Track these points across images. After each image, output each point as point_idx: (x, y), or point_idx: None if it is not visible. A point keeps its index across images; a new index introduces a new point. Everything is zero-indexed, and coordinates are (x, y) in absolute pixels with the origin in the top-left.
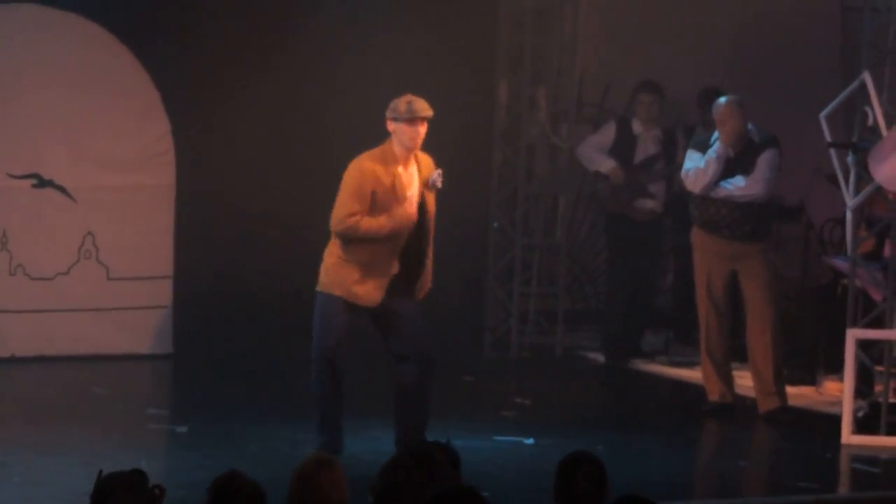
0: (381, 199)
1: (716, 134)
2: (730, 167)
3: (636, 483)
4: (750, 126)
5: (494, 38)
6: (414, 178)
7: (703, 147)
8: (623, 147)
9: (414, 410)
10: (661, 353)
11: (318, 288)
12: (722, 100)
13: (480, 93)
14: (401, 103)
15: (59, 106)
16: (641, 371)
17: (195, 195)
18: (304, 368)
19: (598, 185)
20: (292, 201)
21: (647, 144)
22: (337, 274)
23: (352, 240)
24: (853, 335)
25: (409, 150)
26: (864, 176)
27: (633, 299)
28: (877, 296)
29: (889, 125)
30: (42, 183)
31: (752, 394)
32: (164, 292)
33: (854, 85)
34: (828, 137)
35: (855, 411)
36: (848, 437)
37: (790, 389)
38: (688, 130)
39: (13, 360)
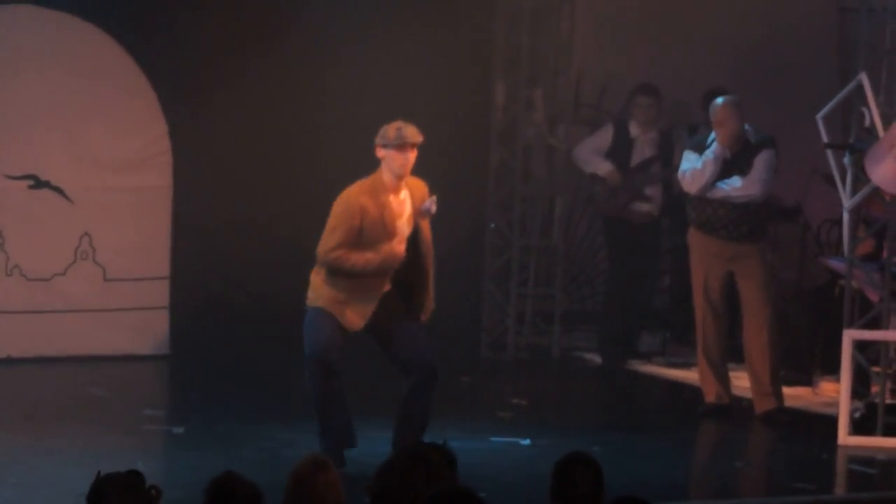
0: (370, 231)
1: (713, 135)
2: (727, 168)
3: (633, 484)
4: (747, 127)
5: (491, 39)
6: (406, 205)
7: (700, 148)
8: (620, 150)
9: (414, 418)
10: (657, 354)
11: (307, 304)
12: (719, 100)
13: (477, 94)
14: (390, 129)
15: (56, 107)
16: (638, 372)
17: (192, 196)
18: (301, 369)
19: (594, 187)
20: (290, 202)
21: (643, 147)
22: (325, 292)
23: (338, 272)
24: (850, 336)
25: (400, 178)
26: (860, 177)
27: (630, 300)
28: (873, 297)
29: (886, 126)
30: (39, 184)
31: (748, 394)
32: (161, 293)
33: (851, 86)
34: (825, 138)
35: (851, 412)
36: (844, 437)
37: (787, 390)
38: (690, 130)
39: (10, 361)
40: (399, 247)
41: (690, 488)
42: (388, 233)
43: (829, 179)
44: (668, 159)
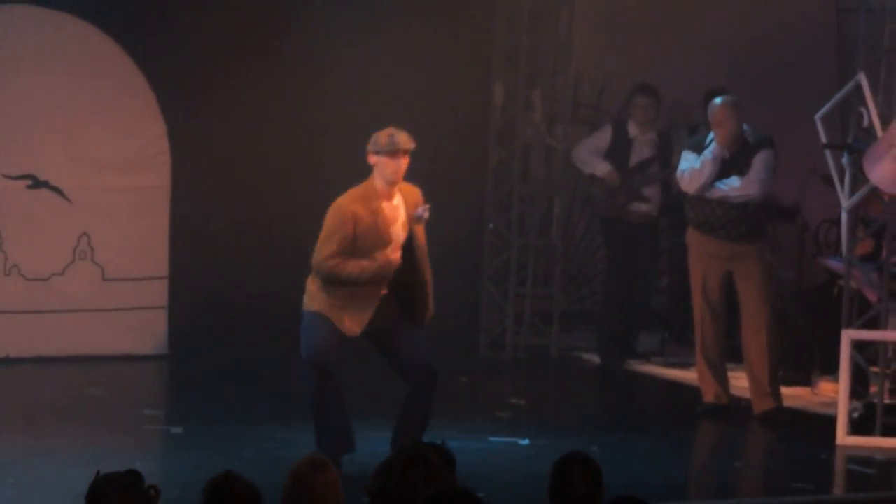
0: (364, 239)
1: (711, 135)
2: (725, 168)
3: (631, 484)
4: (745, 127)
5: (490, 39)
6: (399, 211)
7: (698, 148)
8: (618, 150)
9: (413, 419)
10: (656, 354)
11: (304, 308)
12: (717, 101)
13: (476, 94)
14: (382, 136)
15: (54, 107)
16: (637, 372)
17: (191, 196)
18: (299, 369)
19: (593, 188)
20: (288, 202)
21: (642, 147)
22: (321, 299)
23: (334, 282)
24: (848, 336)
25: (392, 184)
26: (859, 177)
27: (628, 300)
28: (872, 297)
29: (884, 126)
30: (37, 184)
31: (747, 395)
32: (159, 293)
33: (849, 86)
34: (823, 138)
35: (850, 412)
36: (843, 438)
37: (785, 390)
38: (691, 130)
39: (8, 361)
40: (394, 254)
41: (689, 488)
42: (383, 239)
43: (828, 179)
44: (666, 159)
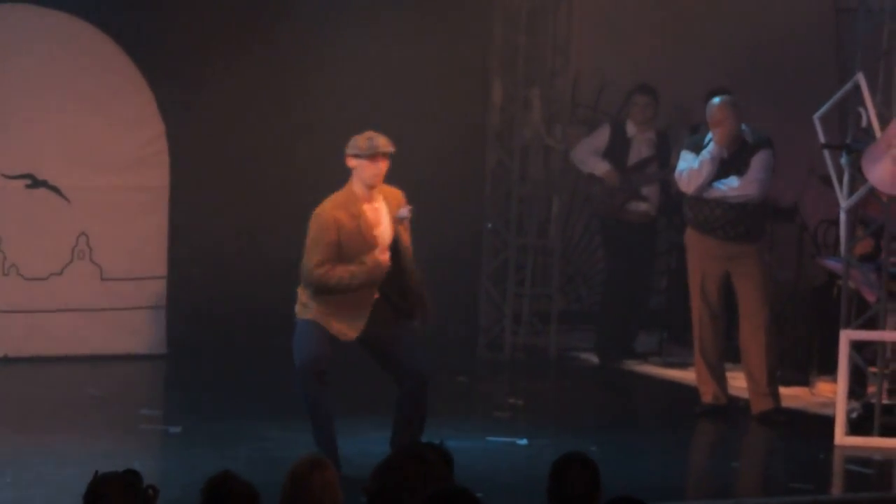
0: (348, 244)
1: (710, 135)
2: (724, 168)
3: (630, 484)
4: (744, 127)
5: (488, 39)
6: (381, 213)
7: (696, 148)
8: (617, 149)
9: (411, 423)
10: (654, 354)
11: (297, 317)
12: (716, 100)
13: (474, 94)
14: (361, 140)
15: (53, 106)
16: (635, 372)
17: (189, 196)
18: (293, 378)
19: (592, 187)
20: (286, 202)
21: (640, 146)
22: (313, 307)
23: (325, 290)
24: (847, 336)
25: (371, 188)
26: (857, 177)
27: (627, 300)
28: (870, 297)
29: (883, 126)
30: (36, 183)
31: (745, 395)
32: (157, 293)
33: (848, 86)
34: (822, 138)
35: (848, 412)
36: (841, 438)
37: (783, 390)
38: (692, 130)
39: (6, 361)
40: (383, 256)
41: (687, 488)
42: (368, 242)
43: (827, 180)
44: (665, 159)
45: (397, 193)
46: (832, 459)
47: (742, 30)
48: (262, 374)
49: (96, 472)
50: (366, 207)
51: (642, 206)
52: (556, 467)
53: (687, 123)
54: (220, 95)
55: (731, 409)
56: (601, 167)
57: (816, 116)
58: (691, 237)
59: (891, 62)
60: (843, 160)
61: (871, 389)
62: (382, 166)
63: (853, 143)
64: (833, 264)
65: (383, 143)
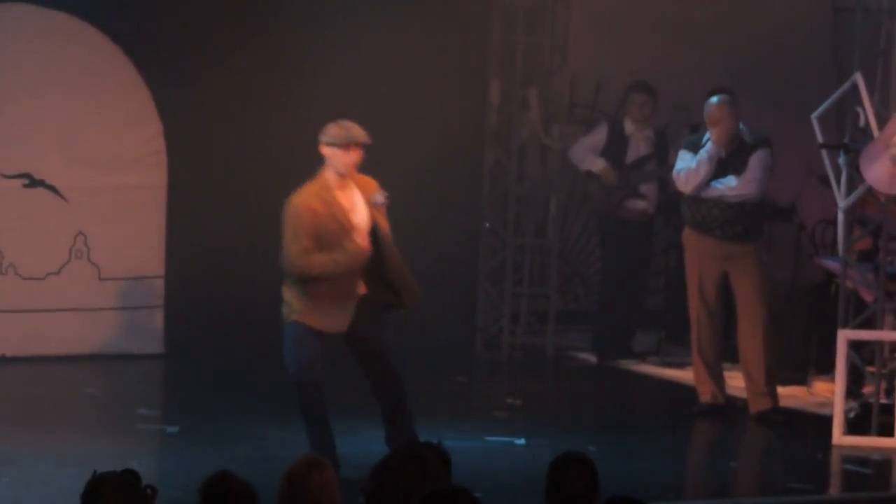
0: (325, 231)
1: (707, 134)
2: (721, 167)
3: (628, 484)
4: (741, 126)
5: (486, 39)
6: (356, 200)
7: (694, 147)
8: (615, 148)
9: (400, 420)
10: (652, 354)
11: (285, 320)
12: (714, 99)
13: (472, 93)
14: (335, 128)
15: (50, 106)
16: (633, 371)
17: (187, 195)
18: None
19: (589, 185)
20: (284, 201)
21: (638, 145)
22: (301, 306)
23: (309, 279)
24: (844, 336)
25: (344, 177)
26: (855, 177)
27: (624, 300)
28: (868, 297)
29: (880, 126)
30: (33, 183)
31: (743, 394)
32: (155, 292)
33: (846, 86)
34: (819, 138)
35: (846, 412)
36: (839, 437)
37: (781, 390)
38: (692, 130)
39: (4, 360)
40: (362, 240)
41: (685, 488)
42: (344, 228)
43: (824, 179)
44: (663, 157)
45: (371, 182)
46: (830, 459)
47: (740, 29)
48: (259, 373)
49: (94, 471)
50: (339, 194)
51: (640, 204)
52: (555, 467)
53: (687, 123)
54: (218, 95)
55: (729, 409)
56: (598, 164)
57: (814, 116)
58: (689, 237)
59: (889, 62)
60: (841, 160)
61: (869, 389)
62: (356, 156)
63: (851, 142)
64: (831, 264)
65: (358, 132)
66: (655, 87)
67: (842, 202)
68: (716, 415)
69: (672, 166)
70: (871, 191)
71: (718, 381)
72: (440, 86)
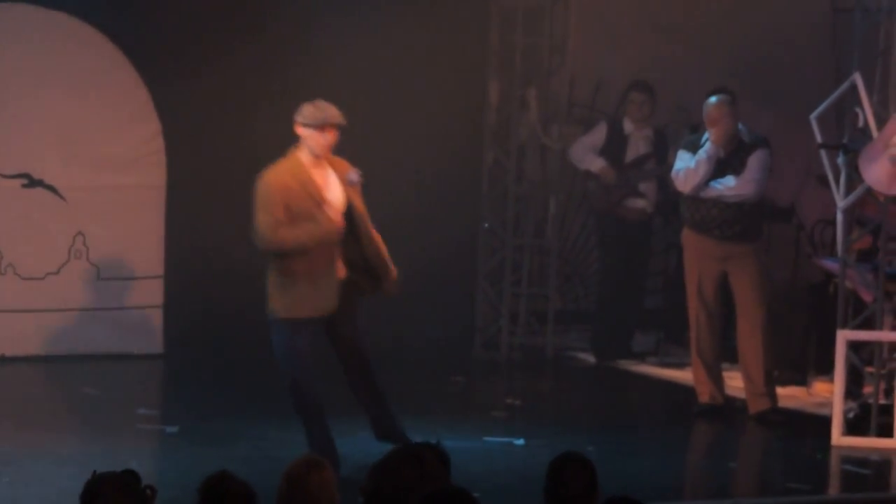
0: (298, 206)
1: (706, 134)
2: (720, 167)
3: (627, 484)
4: (740, 126)
5: (485, 39)
6: (330, 179)
7: (693, 147)
8: (614, 147)
9: (374, 400)
10: (651, 354)
11: (271, 315)
12: (712, 99)
13: (471, 94)
14: (311, 109)
15: (49, 105)
16: (632, 372)
17: (186, 195)
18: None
19: (588, 184)
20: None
21: (637, 144)
22: (286, 295)
23: (282, 252)
24: (844, 336)
25: (318, 157)
26: (854, 177)
27: (623, 300)
28: (867, 297)
29: (879, 126)
30: (32, 182)
31: (742, 395)
32: (154, 292)
33: (845, 86)
34: (819, 138)
35: (845, 412)
36: (838, 438)
37: (780, 390)
38: (692, 129)
39: (3, 360)
40: (335, 214)
41: (684, 489)
42: (316, 202)
43: (823, 180)
44: (662, 156)
45: (345, 163)
46: (829, 459)
47: (740, 29)
48: (259, 373)
49: (94, 471)
50: (313, 172)
51: (639, 203)
52: (554, 467)
53: (688, 123)
54: (217, 94)
55: (728, 409)
56: (597, 164)
57: (813, 116)
58: (688, 237)
59: (888, 62)
60: (840, 160)
61: (868, 389)
62: (331, 137)
63: (850, 143)
64: (830, 264)
65: (333, 113)
66: (655, 87)
67: (841, 202)
68: (715, 415)
69: (671, 165)
70: (869, 191)
71: (717, 381)
72: (439, 86)
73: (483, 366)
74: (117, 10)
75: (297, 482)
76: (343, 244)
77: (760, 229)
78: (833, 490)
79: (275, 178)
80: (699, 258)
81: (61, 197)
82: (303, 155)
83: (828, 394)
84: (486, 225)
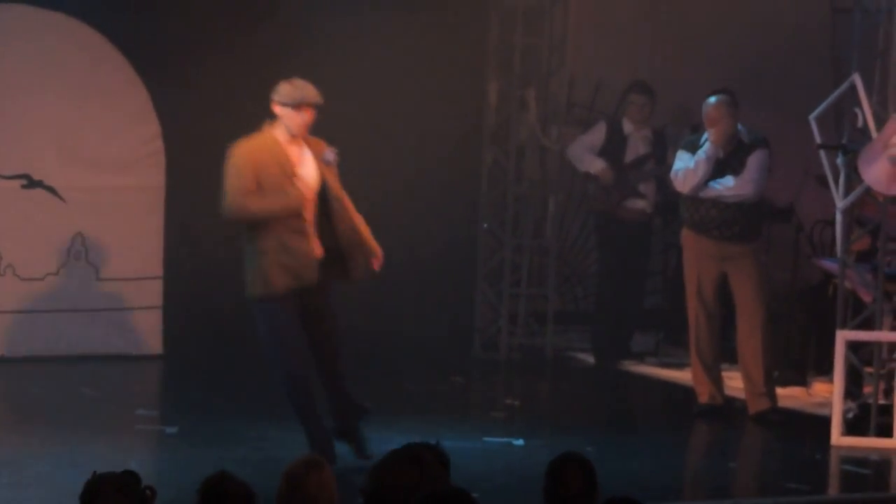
0: (267, 177)
1: (706, 134)
2: (720, 168)
3: (626, 484)
4: (740, 127)
5: (484, 40)
6: (305, 157)
7: (693, 148)
8: (613, 147)
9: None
10: (651, 355)
11: (253, 298)
12: (712, 99)
13: (470, 94)
14: (288, 87)
15: (49, 106)
16: (631, 372)
17: (185, 196)
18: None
19: (588, 184)
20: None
21: (637, 144)
22: (261, 271)
23: (250, 223)
24: (843, 337)
25: (294, 136)
26: (853, 177)
27: (623, 300)
28: (866, 297)
29: (879, 127)
30: (32, 183)
31: (741, 395)
32: (153, 293)
33: (844, 86)
34: (818, 139)
35: (844, 413)
36: (838, 438)
37: (780, 391)
38: (693, 130)
39: (2, 361)
40: (304, 188)
41: (684, 489)
42: (287, 175)
43: (823, 180)
44: (661, 157)
45: (321, 142)
46: (828, 460)
47: (738, 29)
48: (258, 374)
49: (94, 472)
50: (288, 148)
51: (639, 204)
52: (553, 467)
53: (688, 123)
54: (216, 95)
55: (728, 410)
56: (596, 165)
57: (812, 117)
58: (687, 237)
59: (887, 62)
60: (840, 160)
61: (868, 390)
62: (308, 116)
63: (849, 143)
64: (829, 265)
65: (311, 92)
66: (654, 88)
67: (840, 203)
68: (714, 415)
69: (670, 166)
70: (869, 191)
71: (717, 381)
72: (438, 86)
73: (482, 366)
74: (116, 11)
75: (296, 482)
76: (317, 226)
77: (760, 230)
78: (832, 490)
79: (247, 149)
80: (698, 258)
81: (61, 198)
82: (278, 132)
83: (827, 394)
84: (486, 225)
